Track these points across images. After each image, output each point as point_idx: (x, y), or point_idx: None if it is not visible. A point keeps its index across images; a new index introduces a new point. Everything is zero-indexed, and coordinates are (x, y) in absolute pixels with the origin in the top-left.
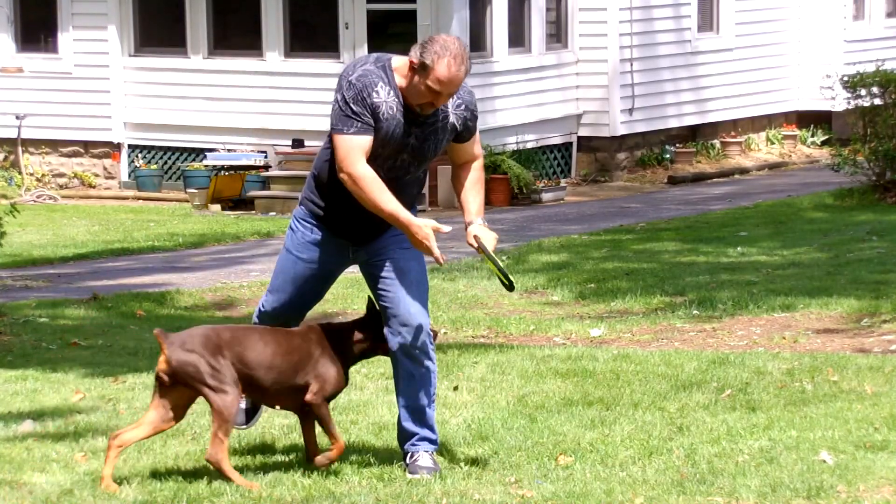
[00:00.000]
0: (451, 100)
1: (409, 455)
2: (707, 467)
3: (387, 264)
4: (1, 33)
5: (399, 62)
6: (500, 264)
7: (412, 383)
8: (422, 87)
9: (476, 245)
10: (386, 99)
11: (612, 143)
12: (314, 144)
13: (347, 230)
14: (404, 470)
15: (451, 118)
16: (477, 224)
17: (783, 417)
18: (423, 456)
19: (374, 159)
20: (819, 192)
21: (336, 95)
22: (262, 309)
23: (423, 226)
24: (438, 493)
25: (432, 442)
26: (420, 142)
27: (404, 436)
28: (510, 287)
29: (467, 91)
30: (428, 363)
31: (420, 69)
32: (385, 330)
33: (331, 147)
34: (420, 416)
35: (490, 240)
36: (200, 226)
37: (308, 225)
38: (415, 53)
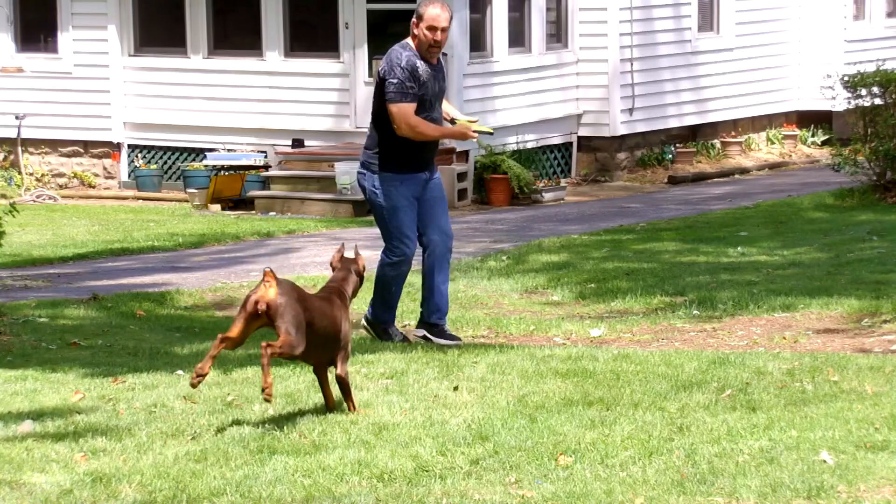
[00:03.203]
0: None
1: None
2: (707, 467)
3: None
4: (1, 33)
5: (407, 41)
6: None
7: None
8: (422, 36)
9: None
10: (423, 67)
11: (613, 143)
12: (314, 144)
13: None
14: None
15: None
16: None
17: (783, 417)
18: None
19: (430, 108)
20: (819, 191)
21: (389, 78)
22: (406, 254)
23: (460, 127)
24: (438, 493)
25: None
26: (441, 83)
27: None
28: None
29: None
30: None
31: (417, 20)
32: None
33: (380, 120)
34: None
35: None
36: (200, 226)
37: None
38: (414, 16)
